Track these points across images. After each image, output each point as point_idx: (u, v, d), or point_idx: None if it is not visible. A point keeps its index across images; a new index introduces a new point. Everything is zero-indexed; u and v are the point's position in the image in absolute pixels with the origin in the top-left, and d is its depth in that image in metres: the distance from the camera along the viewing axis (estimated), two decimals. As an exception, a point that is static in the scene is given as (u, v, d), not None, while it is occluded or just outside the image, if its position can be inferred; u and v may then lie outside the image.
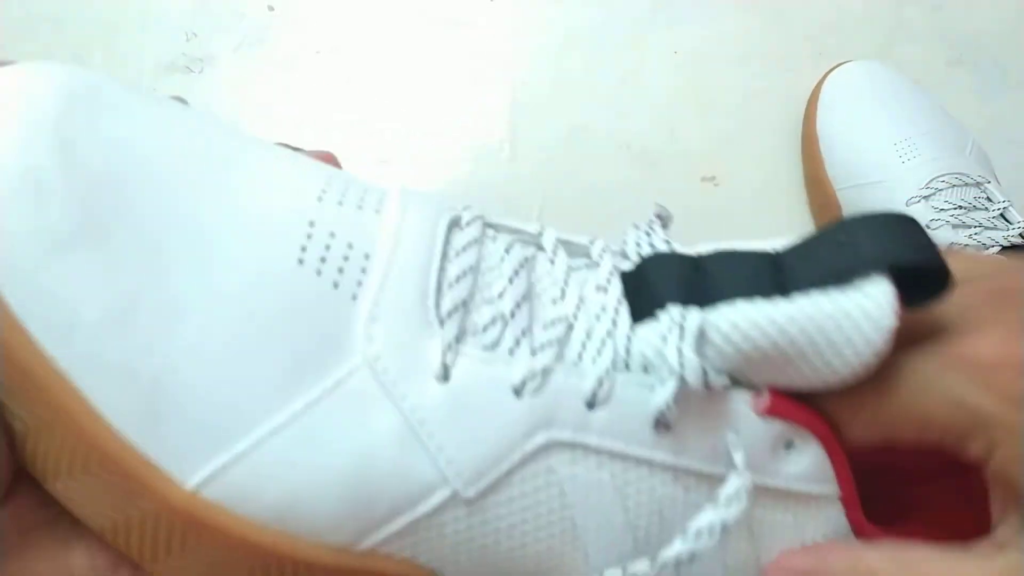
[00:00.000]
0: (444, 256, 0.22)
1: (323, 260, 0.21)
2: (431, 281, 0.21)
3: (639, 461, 0.21)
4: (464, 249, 0.22)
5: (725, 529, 0.20)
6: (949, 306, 0.21)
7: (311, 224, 0.21)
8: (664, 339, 0.20)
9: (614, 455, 0.21)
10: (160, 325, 0.19)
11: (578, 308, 0.22)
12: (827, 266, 0.21)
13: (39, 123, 0.19)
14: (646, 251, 0.23)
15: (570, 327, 0.21)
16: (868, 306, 0.20)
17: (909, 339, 0.21)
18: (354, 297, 0.21)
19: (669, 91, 0.60)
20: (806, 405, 0.22)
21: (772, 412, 0.22)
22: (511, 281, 0.22)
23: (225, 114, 0.60)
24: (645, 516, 0.22)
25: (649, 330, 0.21)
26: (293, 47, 0.61)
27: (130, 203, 0.20)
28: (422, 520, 0.21)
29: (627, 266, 0.23)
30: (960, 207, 0.49)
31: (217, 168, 0.21)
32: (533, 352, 0.21)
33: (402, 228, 0.22)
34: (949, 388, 0.21)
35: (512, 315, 0.21)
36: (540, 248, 0.24)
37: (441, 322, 0.21)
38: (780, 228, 0.58)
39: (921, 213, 0.49)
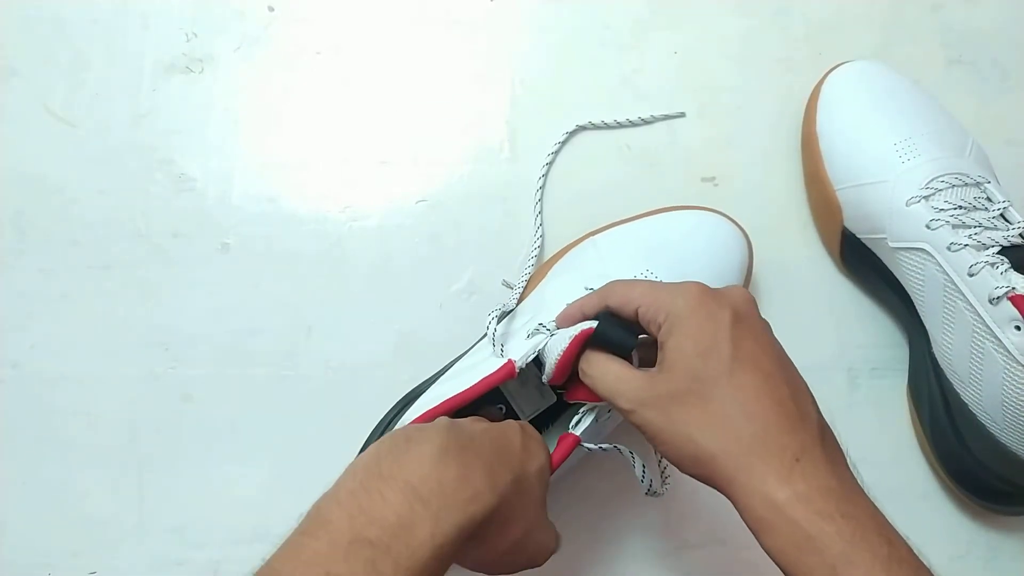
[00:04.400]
0: None
1: None
2: None
3: None
4: None
5: None
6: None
7: None
8: None
9: None
10: None
11: None
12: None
13: None
14: None
15: None
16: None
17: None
18: None
19: (669, 91, 0.60)
20: None
21: None
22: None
23: (225, 114, 0.60)
24: None
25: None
26: (293, 47, 0.61)
27: None
28: None
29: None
30: (960, 207, 0.49)
31: None
32: None
33: None
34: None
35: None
36: None
37: None
38: (780, 228, 0.58)
39: (921, 213, 0.49)
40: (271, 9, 0.62)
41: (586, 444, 0.45)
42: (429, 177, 0.59)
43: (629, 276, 0.49)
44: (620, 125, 0.59)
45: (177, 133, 0.59)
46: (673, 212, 0.53)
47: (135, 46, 0.61)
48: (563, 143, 0.59)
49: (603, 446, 0.46)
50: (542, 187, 0.58)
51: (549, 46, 0.61)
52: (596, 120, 0.59)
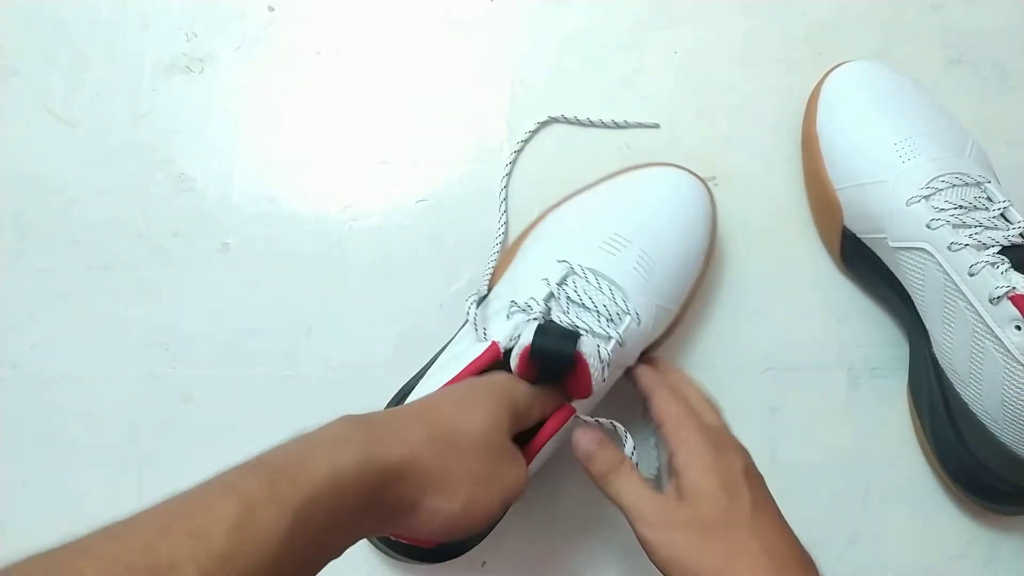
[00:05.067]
0: None
1: None
2: None
3: None
4: None
5: None
6: None
7: None
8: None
9: None
10: None
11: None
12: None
13: None
14: None
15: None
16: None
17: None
18: None
19: (669, 91, 0.60)
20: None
21: None
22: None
23: (225, 114, 0.60)
24: None
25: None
26: (293, 47, 0.61)
27: None
28: None
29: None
30: (960, 207, 0.49)
31: None
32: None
33: None
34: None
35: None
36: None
37: None
38: (780, 228, 0.58)
39: (921, 213, 0.49)
40: (271, 9, 0.62)
41: (583, 416, 0.46)
42: (429, 177, 0.59)
43: (597, 243, 0.49)
44: (592, 124, 0.59)
45: (177, 133, 0.59)
46: (629, 172, 0.54)
47: (135, 46, 0.61)
48: (534, 132, 0.59)
49: (600, 420, 0.46)
50: (508, 173, 0.58)
51: (549, 46, 0.61)
52: (569, 115, 0.59)
